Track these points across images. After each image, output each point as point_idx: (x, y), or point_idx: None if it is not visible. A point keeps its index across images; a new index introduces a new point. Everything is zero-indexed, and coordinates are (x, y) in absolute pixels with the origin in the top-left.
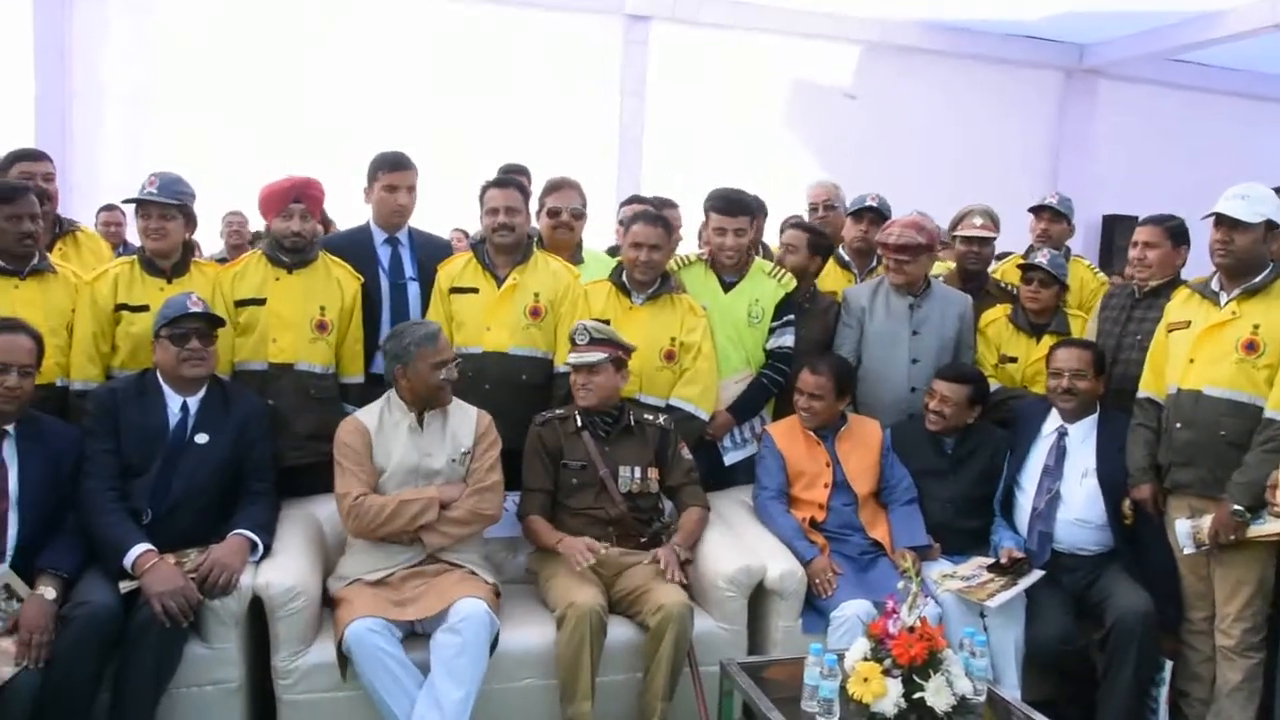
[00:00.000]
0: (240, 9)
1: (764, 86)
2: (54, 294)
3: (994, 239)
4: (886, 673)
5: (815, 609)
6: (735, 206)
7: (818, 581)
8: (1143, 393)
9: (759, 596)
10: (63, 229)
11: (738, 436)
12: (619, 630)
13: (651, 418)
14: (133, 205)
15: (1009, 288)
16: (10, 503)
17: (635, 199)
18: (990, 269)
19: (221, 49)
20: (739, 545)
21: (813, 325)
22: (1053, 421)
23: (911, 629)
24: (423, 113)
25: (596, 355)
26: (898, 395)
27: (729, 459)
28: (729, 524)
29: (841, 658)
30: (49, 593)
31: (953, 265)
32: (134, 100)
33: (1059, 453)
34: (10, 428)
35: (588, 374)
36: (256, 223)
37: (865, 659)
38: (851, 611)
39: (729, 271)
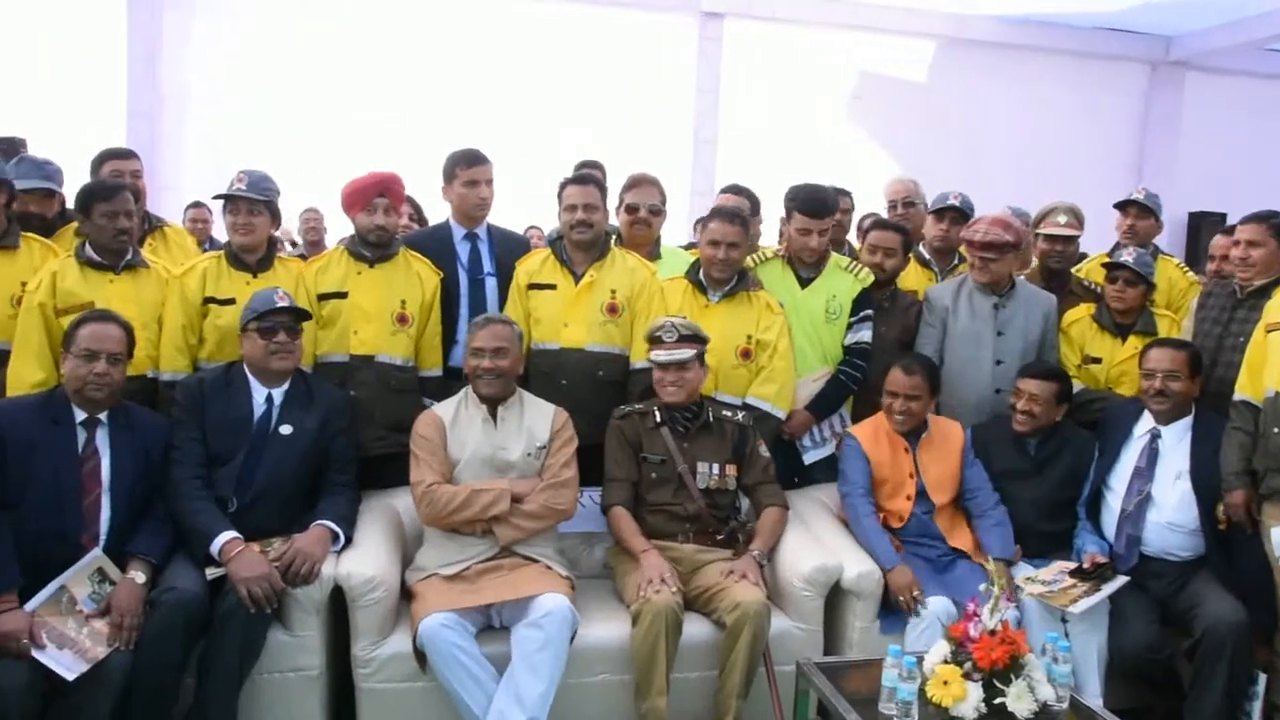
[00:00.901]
0: (318, 14)
1: (839, 82)
2: (146, 288)
3: (1078, 237)
4: (967, 676)
5: (893, 611)
6: (821, 208)
7: (901, 599)
8: (1239, 395)
9: (835, 596)
10: (151, 225)
11: (816, 435)
12: (695, 627)
13: (730, 414)
14: (221, 202)
15: (1093, 287)
16: (103, 489)
17: (734, 188)
18: (1074, 268)
19: (301, 52)
20: (816, 544)
21: (893, 325)
22: (1145, 423)
23: (993, 632)
24: (498, 111)
25: (686, 352)
26: (981, 396)
27: (808, 458)
28: (806, 523)
29: (921, 660)
30: (139, 577)
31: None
32: (217, 102)
33: (1151, 455)
34: (103, 417)
35: (677, 371)
36: (331, 220)
37: (945, 662)
38: (931, 611)
39: (806, 267)
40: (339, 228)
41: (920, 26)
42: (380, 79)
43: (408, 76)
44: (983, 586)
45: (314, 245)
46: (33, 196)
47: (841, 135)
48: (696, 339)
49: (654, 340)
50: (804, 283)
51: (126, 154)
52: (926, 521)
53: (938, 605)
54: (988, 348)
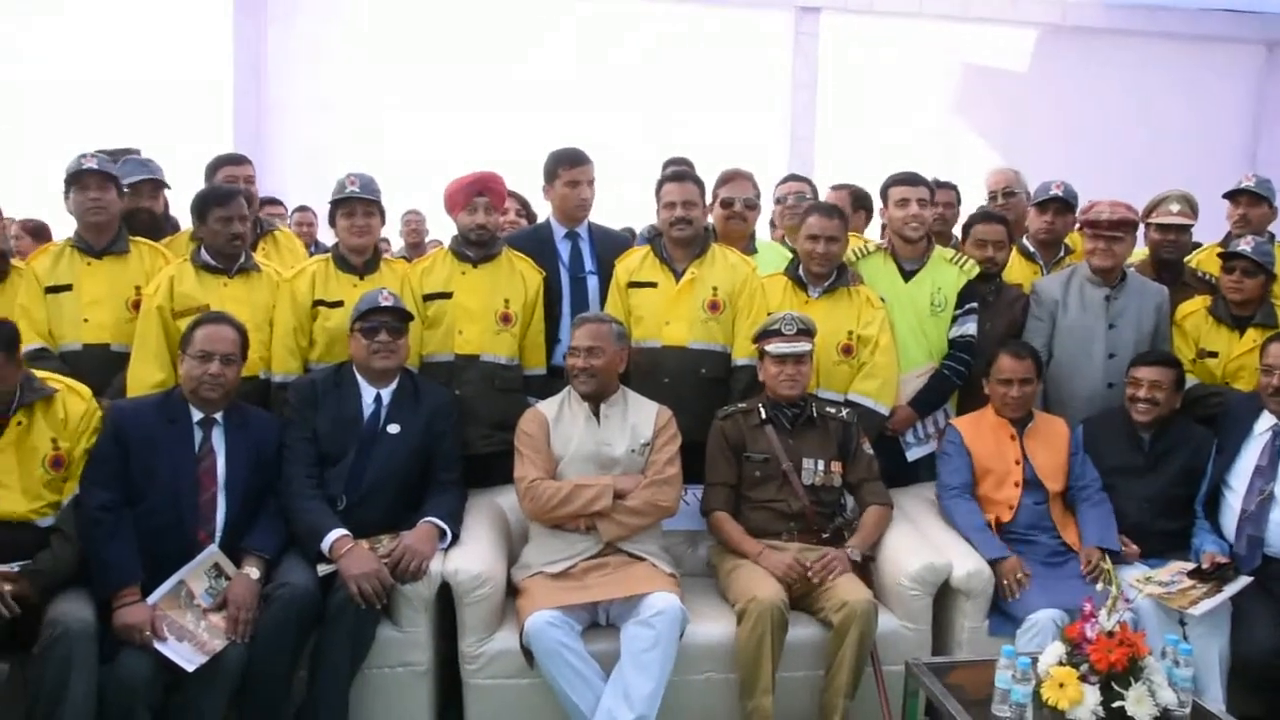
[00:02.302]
0: (416, 20)
1: (938, 75)
2: (258, 291)
3: (1191, 226)
4: (1083, 679)
5: (1002, 611)
6: (915, 175)
7: (1005, 583)
8: None
9: (944, 596)
10: (263, 229)
11: (920, 431)
12: (800, 626)
13: (834, 411)
14: (320, 205)
15: (1208, 278)
16: (219, 487)
17: (792, 177)
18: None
19: (400, 57)
20: (924, 542)
21: (999, 319)
22: (1265, 421)
23: (1110, 634)
24: (594, 110)
25: (805, 345)
26: (1092, 391)
27: (911, 454)
28: (913, 521)
29: (1035, 661)
30: (254, 572)
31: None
32: (319, 109)
33: (1273, 453)
34: (219, 416)
35: (795, 364)
36: (431, 222)
37: (1061, 663)
38: (1043, 618)
39: (910, 259)
40: (438, 230)
41: (1021, 15)
42: (479, 81)
43: (506, 78)
44: (1099, 586)
45: (415, 247)
46: (142, 192)
47: (942, 129)
48: (810, 333)
49: (771, 334)
50: (907, 275)
51: (240, 159)
52: (1040, 513)
53: (1046, 617)
54: (1099, 341)
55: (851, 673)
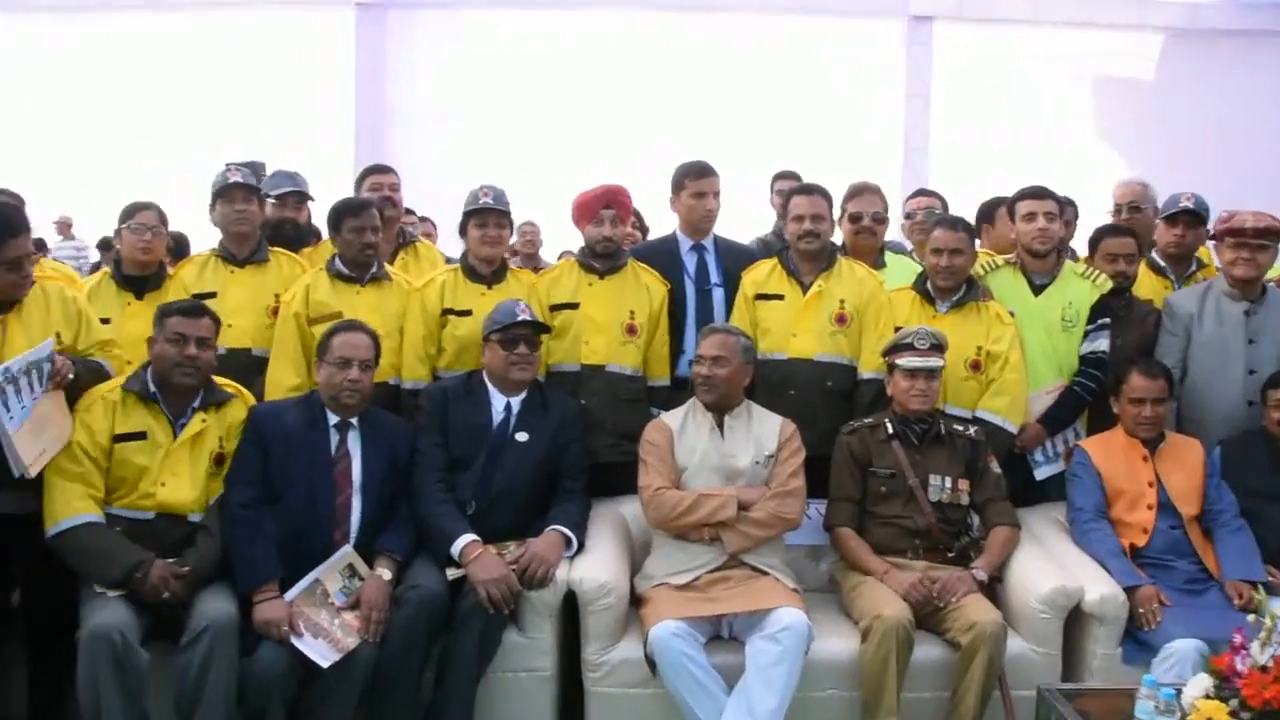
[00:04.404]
0: (532, 34)
1: (1058, 82)
2: (389, 299)
3: None
4: (1234, 715)
5: (1137, 639)
6: (1043, 189)
7: (1141, 611)
8: None
9: (1074, 620)
10: (405, 240)
11: (1050, 450)
12: (926, 646)
13: (961, 428)
14: (436, 214)
15: None
16: (354, 489)
17: (922, 192)
18: None
19: (516, 70)
20: (1054, 565)
21: (1130, 334)
22: None
23: (1264, 668)
24: (709, 122)
25: (938, 360)
26: (1230, 409)
27: (1040, 473)
28: (1041, 542)
29: (1179, 692)
30: (386, 573)
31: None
32: (437, 120)
33: None
34: (354, 421)
35: (926, 379)
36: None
37: (1208, 696)
38: (1181, 650)
39: (1039, 272)
40: (554, 241)
41: (1146, 18)
42: (595, 93)
43: (621, 91)
44: (1251, 617)
45: (530, 258)
46: (287, 203)
47: (1062, 139)
48: (942, 348)
49: (902, 348)
50: (1037, 289)
51: (385, 169)
52: (1176, 538)
53: (1186, 647)
54: (1238, 357)
55: (979, 696)
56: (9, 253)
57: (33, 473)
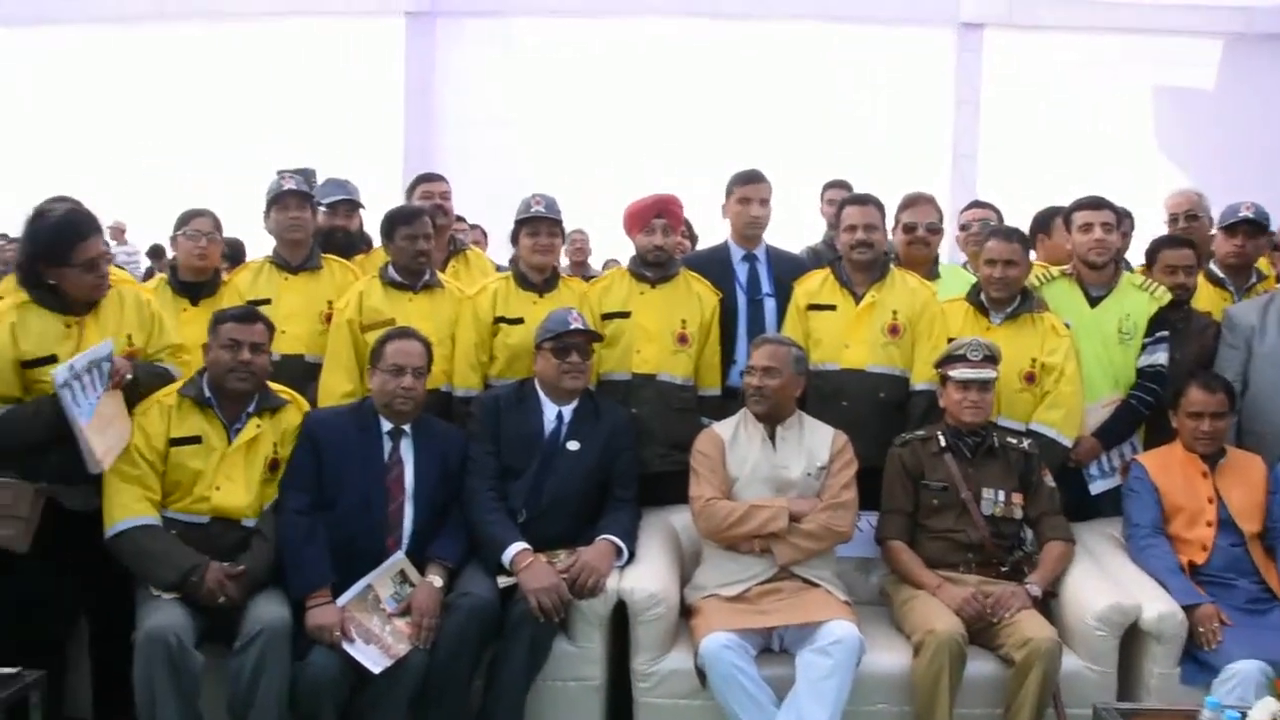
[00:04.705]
0: (579, 45)
1: (1112, 90)
2: (441, 307)
3: None
4: None
5: (1196, 658)
6: (1101, 200)
7: (1201, 630)
8: None
9: (1130, 638)
10: (455, 248)
11: (1105, 464)
12: (979, 662)
13: (1015, 441)
14: (485, 222)
15: None
16: (406, 496)
17: (976, 204)
18: None
19: (569, 76)
20: (1109, 581)
21: (1188, 347)
22: None
23: None
24: (758, 131)
25: (991, 372)
26: None
27: (1095, 488)
28: (1096, 558)
29: (1243, 716)
30: (437, 580)
31: None
32: (485, 130)
33: None
34: (407, 428)
35: (980, 391)
36: (595, 241)
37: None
38: (1242, 671)
39: (1096, 284)
40: (601, 250)
41: (1204, 24)
42: (643, 101)
43: (670, 99)
44: None
45: (579, 266)
46: (338, 211)
47: (1117, 147)
48: (996, 360)
49: (956, 359)
50: (1094, 301)
51: (436, 177)
52: (1237, 555)
53: (1249, 668)
54: None
55: (1033, 714)
56: (83, 254)
57: (105, 466)
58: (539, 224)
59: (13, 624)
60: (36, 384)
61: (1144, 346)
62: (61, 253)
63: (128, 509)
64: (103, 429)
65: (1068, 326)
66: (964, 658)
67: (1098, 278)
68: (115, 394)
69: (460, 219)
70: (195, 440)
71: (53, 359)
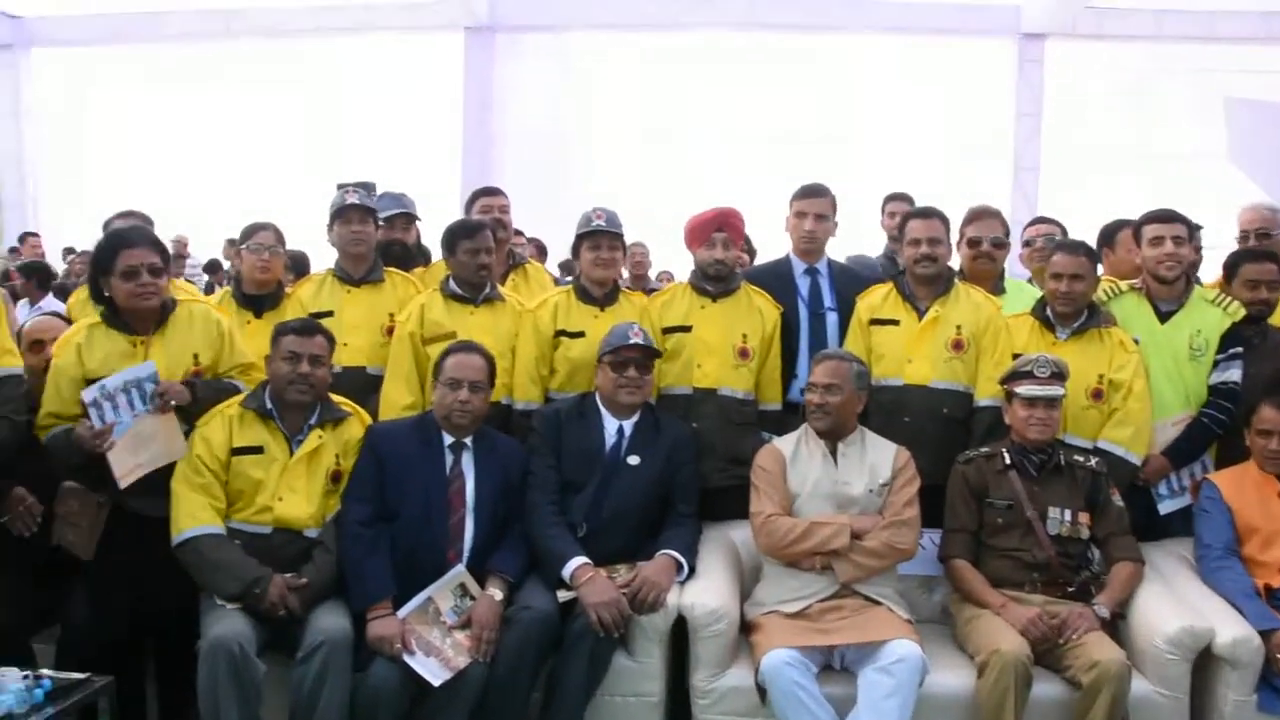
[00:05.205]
0: (642, 54)
1: (1179, 100)
2: (501, 320)
3: None
4: None
5: (1273, 686)
6: (1172, 213)
7: (1279, 656)
8: None
9: (1203, 663)
10: (515, 262)
11: (1175, 483)
12: (1045, 684)
13: (1082, 459)
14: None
15: None
16: (467, 509)
17: (1041, 219)
18: None
19: (627, 90)
20: (1180, 603)
21: (1263, 364)
22: None
23: None
24: (817, 143)
25: (1058, 389)
26: None
27: (1164, 508)
28: (1166, 579)
29: None
30: (497, 594)
31: None
32: (544, 138)
33: None
34: (468, 441)
35: (1046, 408)
36: (656, 254)
37: None
38: None
39: (1166, 299)
40: (658, 263)
41: (1276, 30)
42: (702, 115)
43: (729, 112)
44: None
45: (638, 279)
46: (395, 224)
47: (1186, 158)
48: (1063, 376)
49: (1022, 375)
50: (1164, 317)
51: (495, 191)
52: None
53: None
54: None
55: None
56: (124, 262)
57: (123, 484)
58: (600, 237)
59: (85, 629)
60: None
61: (1216, 363)
62: (107, 262)
63: (194, 517)
64: (134, 448)
65: (1136, 342)
66: (1030, 679)
67: (1168, 292)
68: (162, 416)
69: (518, 232)
70: (257, 450)
71: None
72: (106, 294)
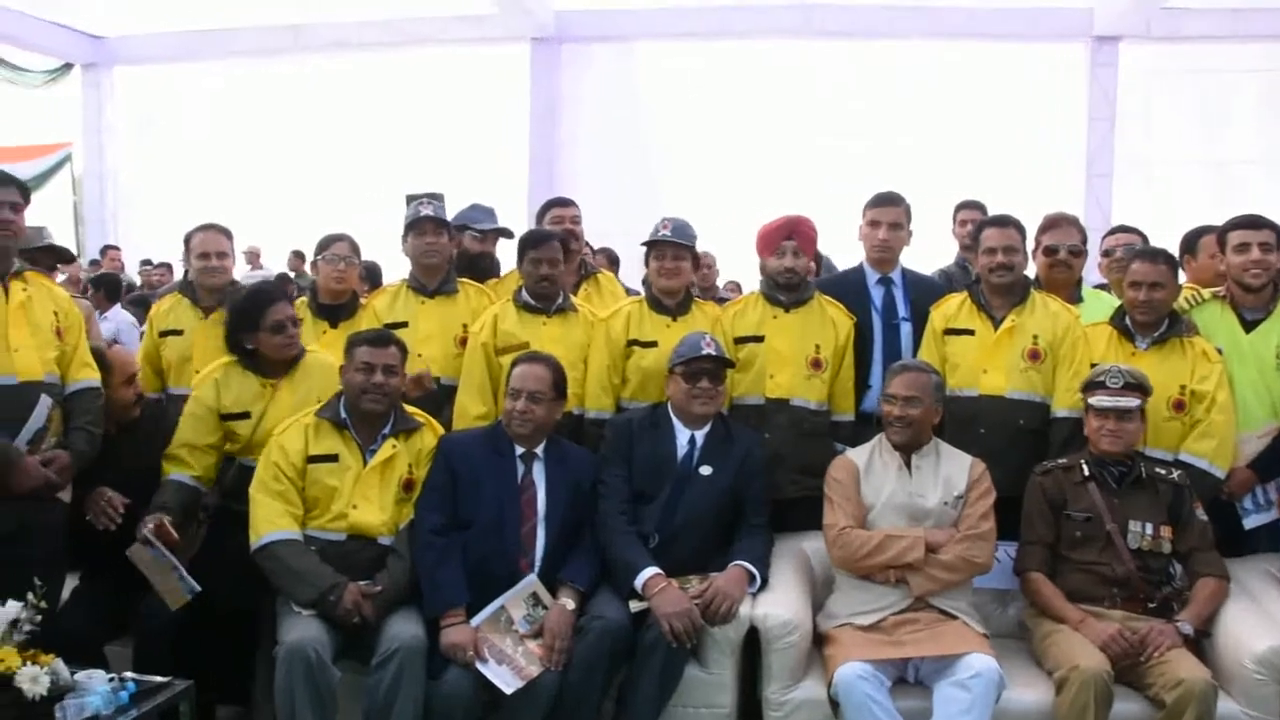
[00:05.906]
0: (708, 63)
1: (1259, 103)
2: (573, 330)
3: None
4: None
5: None
6: (1258, 218)
7: None
8: None
9: None
10: (587, 272)
11: (1260, 497)
12: (1126, 702)
13: (1164, 472)
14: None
15: None
16: (539, 518)
17: (1121, 228)
18: None
19: (693, 99)
20: (1269, 621)
21: None
22: None
23: None
24: (888, 151)
25: (1131, 401)
26: None
27: (1249, 522)
28: (1253, 596)
29: None
30: (569, 603)
31: None
32: (611, 148)
33: None
34: (539, 450)
35: (1118, 420)
36: (722, 263)
37: None
38: None
39: (1252, 307)
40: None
41: None
42: (770, 122)
43: (797, 120)
44: None
45: (706, 289)
46: (488, 238)
47: (1264, 164)
48: (1141, 389)
49: (1095, 385)
50: (1249, 325)
51: (566, 202)
52: None
53: None
54: None
55: None
56: (271, 318)
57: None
58: (664, 247)
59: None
60: (233, 434)
61: None
62: (253, 319)
63: (272, 523)
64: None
65: (1219, 352)
66: (1110, 697)
67: (1254, 300)
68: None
69: (586, 243)
70: (332, 458)
71: (246, 415)
72: (249, 346)
